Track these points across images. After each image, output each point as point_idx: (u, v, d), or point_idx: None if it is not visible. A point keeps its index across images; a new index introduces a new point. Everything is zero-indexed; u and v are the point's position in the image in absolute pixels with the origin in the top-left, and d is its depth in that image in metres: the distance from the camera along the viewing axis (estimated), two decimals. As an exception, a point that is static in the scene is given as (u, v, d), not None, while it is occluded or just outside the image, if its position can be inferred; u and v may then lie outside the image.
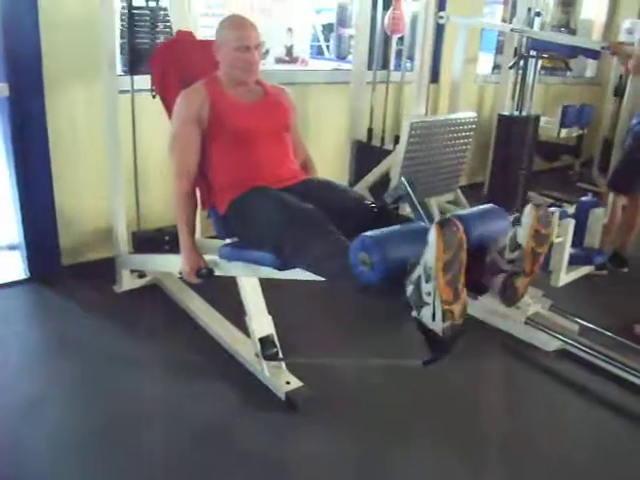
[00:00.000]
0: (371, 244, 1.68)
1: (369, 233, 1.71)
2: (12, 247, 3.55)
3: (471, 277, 1.69)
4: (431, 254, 1.58)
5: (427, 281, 1.60)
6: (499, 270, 1.83)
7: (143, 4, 3.12)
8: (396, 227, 1.79)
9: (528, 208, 1.84)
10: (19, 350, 2.82)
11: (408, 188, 1.96)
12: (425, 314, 1.64)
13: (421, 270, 1.61)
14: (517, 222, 1.89)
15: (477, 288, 1.84)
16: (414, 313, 1.67)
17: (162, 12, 3.14)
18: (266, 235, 2.15)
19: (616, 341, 2.98)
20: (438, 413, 2.50)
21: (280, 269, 2.12)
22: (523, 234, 1.83)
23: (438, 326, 1.63)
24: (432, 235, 1.57)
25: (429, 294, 1.61)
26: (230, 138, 2.34)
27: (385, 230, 1.75)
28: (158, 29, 3.14)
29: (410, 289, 1.65)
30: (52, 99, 3.22)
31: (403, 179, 1.97)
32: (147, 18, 3.13)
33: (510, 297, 1.85)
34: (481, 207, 2.00)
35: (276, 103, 2.49)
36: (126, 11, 3.06)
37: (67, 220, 3.46)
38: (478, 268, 1.79)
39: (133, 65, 3.15)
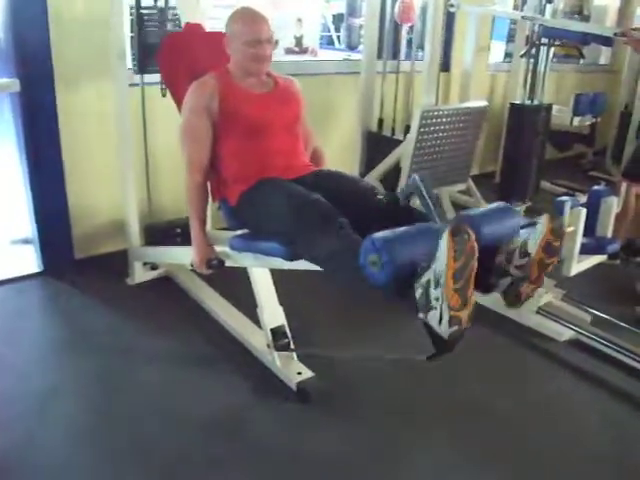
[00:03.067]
0: (381, 245, 1.68)
1: (379, 234, 1.71)
2: (26, 241, 3.57)
3: (479, 276, 1.69)
4: (441, 261, 1.58)
5: (436, 287, 1.61)
6: (506, 273, 1.83)
7: (151, 3, 3.12)
8: (407, 228, 1.78)
9: (543, 219, 1.83)
10: (33, 343, 2.84)
11: (421, 186, 1.94)
12: (432, 317, 1.65)
13: (431, 275, 1.62)
14: (530, 223, 1.88)
15: (484, 287, 1.85)
16: (421, 315, 1.67)
17: (171, 11, 3.12)
18: (276, 227, 2.15)
19: (629, 331, 2.96)
20: (450, 403, 2.50)
21: (290, 260, 2.13)
22: (533, 244, 1.82)
23: (444, 330, 1.64)
24: (443, 242, 1.57)
25: (437, 299, 1.62)
26: (241, 129, 2.34)
27: (396, 231, 1.75)
28: (167, 28, 3.13)
29: (419, 292, 1.66)
30: (63, 94, 3.24)
31: (416, 176, 1.95)
32: (156, 18, 3.12)
33: (513, 300, 1.86)
34: (492, 206, 2.00)
35: (287, 94, 2.49)
36: (134, 11, 3.06)
37: (79, 213, 3.49)
38: (486, 268, 1.79)
39: (142, 64, 3.14)
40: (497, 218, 1.92)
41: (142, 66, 3.13)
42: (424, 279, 1.64)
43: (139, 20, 3.06)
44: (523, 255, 1.81)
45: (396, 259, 1.67)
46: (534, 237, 1.81)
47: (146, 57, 3.09)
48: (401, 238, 1.73)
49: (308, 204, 2.06)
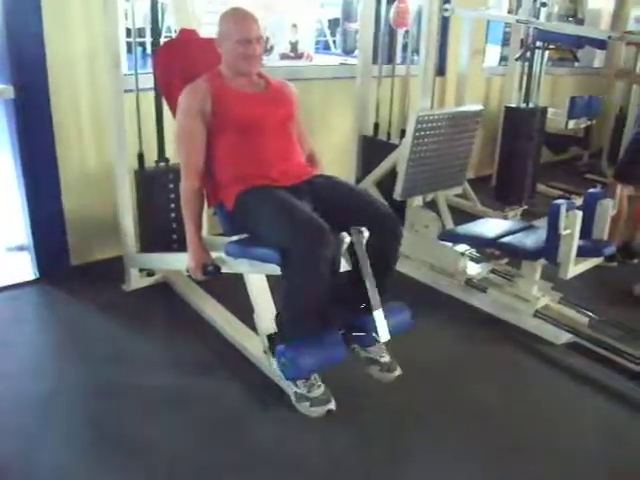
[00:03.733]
0: (288, 359, 2.13)
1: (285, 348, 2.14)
2: (21, 248, 3.56)
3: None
4: None
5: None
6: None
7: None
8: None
9: None
10: (30, 350, 2.84)
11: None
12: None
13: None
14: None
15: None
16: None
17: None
18: (269, 235, 2.19)
19: (626, 333, 2.96)
20: (448, 408, 2.50)
21: (284, 267, 2.12)
22: None
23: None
24: None
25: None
26: (235, 129, 2.35)
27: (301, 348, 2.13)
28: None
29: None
30: (57, 99, 3.24)
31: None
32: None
33: None
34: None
35: (279, 94, 2.50)
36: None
37: (75, 220, 3.48)
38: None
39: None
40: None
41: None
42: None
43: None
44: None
45: (297, 373, 2.19)
46: None
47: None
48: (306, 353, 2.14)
49: (298, 221, 2.10)
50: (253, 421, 2.37)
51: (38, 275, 3.43)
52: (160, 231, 3.30)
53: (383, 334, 2.20)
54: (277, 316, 2.40)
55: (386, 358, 2.35)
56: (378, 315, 2.18)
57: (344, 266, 2.21)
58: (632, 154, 3.91)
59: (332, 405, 2.19)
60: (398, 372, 2.34)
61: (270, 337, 2.48)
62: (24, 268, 3.46)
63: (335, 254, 2.09)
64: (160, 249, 3.22)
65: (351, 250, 2.18)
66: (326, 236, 2.04)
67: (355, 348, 2.35)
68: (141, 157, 3.23)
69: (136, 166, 3.23)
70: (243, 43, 2.33)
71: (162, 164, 3.28)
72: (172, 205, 3.23)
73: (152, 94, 3.14)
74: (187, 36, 2.81)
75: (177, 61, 2.64)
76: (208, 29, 3.00)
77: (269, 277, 2.55)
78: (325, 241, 2.04)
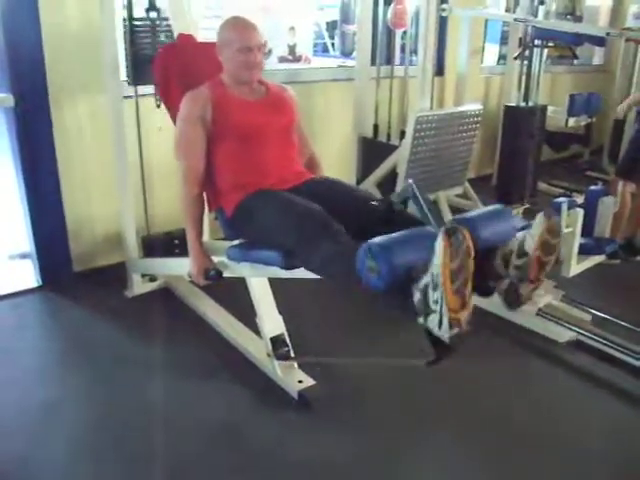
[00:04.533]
0: (378, 252, 1.68)
1: (376, 240, 1.71)
2: (24, 255, 3.57)
3: (477, 279, 1.68)
4: (438, 263, 1.57)
5: (434, 289, 1.60)
6: (505, 275, 1.82)
7: (143, 15, 3.11)
8: (403, 233, 1.77)
9: (538, 218, 1.80)
10: (33, 357, 2.84)
11: (416, 190, 1.94)
12: (432, 321, 1.64)
13: (429, 278, 1.61)
14: (527, 225, 1.87)
15: (483, 290, 1.84)
16: (420, 320, 1.67)
17: (164, 22, 3.12)
18: (273, 237, 2.16)
19: (629, 330, 2.96)
20: (452, 408, 2.49)
21: (288, 269, 2.13)
22: (531, 243, 1.79)
23: (444, 333, 1.63)
24: (439, 244, 1.57)
25: (436, 302, 1.61)
26: (235, 137, 2.35)
27: (392, 236, 1.74)
28: (160, 39, 3.12)
29: (417, 296, 1.65)
30: (57, 108, 3.25)
31: (411, 182, 1.95)
32: (148, 29, 3.11)
33: (513, 302, 1.84)
34: (488, 208, 1.99)
35: (279, 100, 2.49)
36: (127, 22, 3.05)
37: (77, 227, 3.49)
38: (484, 271, 1.78)
39: (136, 76, 3.13)
40: (493, 220, 1.91)
41: (135, 77, 3.12)
42: (422, 283, 1.64)
43: (131, 32, 3.05)
44: (520, 255, 1.79)
45: (393, 265, 1.67)
46: (531, 236, 1.80)
47: (139, 68, 3.08)
48: (397, 243, 1.72)
49: (304, 213, 2.06)
50: (257, 424, 2.37)
51: (41, 282, 3.43)
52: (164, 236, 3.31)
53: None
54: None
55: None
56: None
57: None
58: (633, 151, 3.91)
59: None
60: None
61: (273, 340, 2.48)
62: (27, 275, 3.46)
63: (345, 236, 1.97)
64: (162, 252, 3.24)
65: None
66: (334, 224, 1.99)
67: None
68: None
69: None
70: (244, 51, 2.33)
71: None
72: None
73: (152, 100, 3.14)
74: (185, 41, 2.82)
75: (175, 66, 2.65)
76: (206, 34, 3.00)
77: (271, 280, 2.56)
78: (334, 226, 1.98)
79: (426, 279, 1.62)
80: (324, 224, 1.99)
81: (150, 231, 3.46)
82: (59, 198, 3.36)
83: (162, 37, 3.11)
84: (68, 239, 3.47)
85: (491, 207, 2.00)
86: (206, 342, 2.89)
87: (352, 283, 1.83)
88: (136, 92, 3.16)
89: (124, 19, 3.07)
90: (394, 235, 1.75)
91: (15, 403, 2.47)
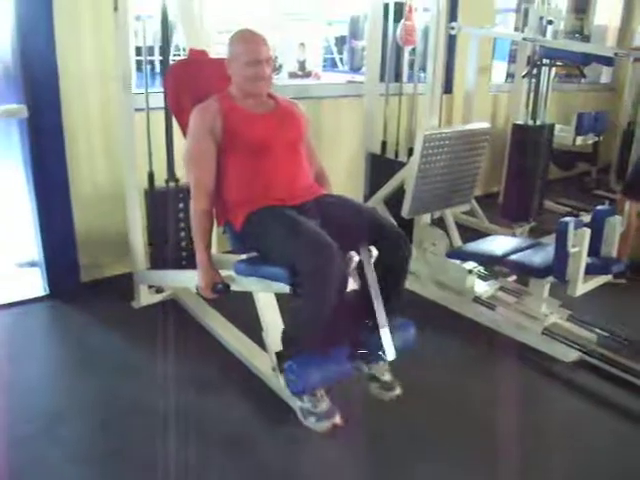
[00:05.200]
0: (298, 373, 2.16)
1: (295, 364, 2.17)
2: (32, 264, 3.59)
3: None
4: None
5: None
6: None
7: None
8: (321, 359, 2.18)
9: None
10: (38, 366, 2.85)
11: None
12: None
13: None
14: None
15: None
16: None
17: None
18: (279, 254, 2.20)
19: (635, 351, 2.95)
20: (455, 426, 2.49)
21: (293, 286, 2.15)
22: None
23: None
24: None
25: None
26: (244, 150, 2.36)
27: (312, 360, 2.17)
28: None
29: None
30: (70, 119, 3.28)
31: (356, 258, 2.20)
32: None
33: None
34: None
35: (288, 114, 2.51)
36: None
37: (86, 237, 3.51)
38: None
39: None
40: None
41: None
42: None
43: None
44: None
45: (307, 386, 2.20)
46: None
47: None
48: (313, 368, 2.17)
49: (306, 242, 2.10)
50: (262, 438, 2.37)
51: (48, 291, 3.45)
52: (170, 249, 3.32)
53: (389, 352, 2.20)
54: (283, 332, 2.40)
55: (387, 377, 2.37)
56: (385, 333, 2.19)
57: (351, 285, 2.21)
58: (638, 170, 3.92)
59: (337, 419, 2.20)
60: (398, 391, 2.35)
61: (278, 354, 2.49)
62: (35, 284, 3.49)
63: (343, 272, 2.10)
64: (170, 266, 3.25)
65: (359, 269, 2.19)
66: (334, 254, 2.05)
67: (357, 365, 2.34)
68: (151, 176, 3.26)
69: (146, 185, 3.25)
70: (253, 64, 2.35)
71: (172, 184, 3.30)
72: (182, 224, 3.27)
73: (162, 113, 3.17)
74: (197, 56, 2.84)
75: (187, 81, 2.66)
76: (218, 49, 3.02)
77: (278, 295, 2.57)
78: (333, 259, 2.04)
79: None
80: (323, 260, 2.05)
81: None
82: (69, 208, 3.39)
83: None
84: (76, 249, 3.49)
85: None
86: (211, 355, 2.90)
87: (312, 339, 2.18)
88: (147, 105, 3.18)
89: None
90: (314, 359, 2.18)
91: (20, 411, 2.47)
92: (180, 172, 3.18)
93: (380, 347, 2.20)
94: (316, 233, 2.12)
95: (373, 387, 2.38)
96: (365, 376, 2.37)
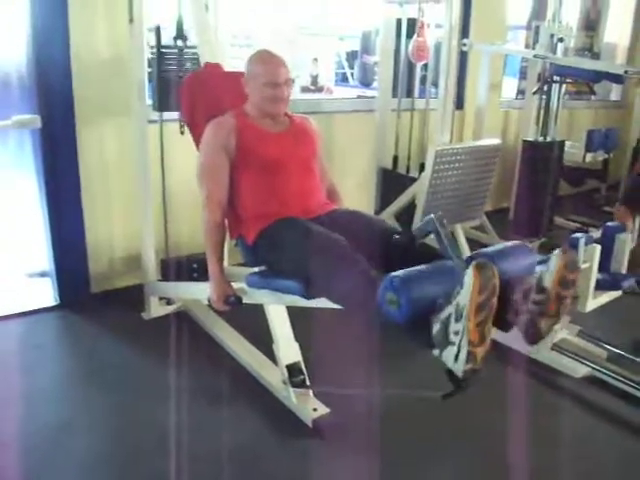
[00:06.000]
0: (399, 284, 1.71)
1: (397, 273, 1.75)
2: (43, 274, 3.61)
3: (497, 314, 1.71)
4: (466, 295, 1.60)
5: (457, 320, 1.63)
6: (524, 310, 1.82)
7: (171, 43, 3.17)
8: (424, 267, 1.81)
9: (556, 253, 1.81)
10: (48, 376, 2.86)
11: (437, 224, 1.96)
12: (448, 354, 1.67)
13: (452, 309, 1.64)
14: (545, 259, 1.88)
15: (502, 325, 1.85)
16: (436, 352, 1.70)
17: (190, 50, 3.17)
18: (295, 266, 2.17)
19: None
20: (463, 440, 2.48)
21: (308, 298, 2.14)
22: (549, 278, 1.80)
23: (460, 367, 1.66)
24: (469, 276, 1.60)
25: (457, 333, 1.64)
26: (258, 168, 2.38)
27: (413, 270, 1.78)
28: (186, 67, 3.16)
29: (436, 327, 1.68)
30: (83, 130, 3.31)
31: (433, 216, 1.97)
32: (175, 57, 3.16)
33: (533, 337, 1.84)
34: (508, 244, 2.02)
35: (302, 132, 2.53)
36: (155, 50, 3.11)
37: (97, 248, 3.53)
38: (504, 306, 1.79)
39: (162, 103, 3.17)
40: (513, 256, 1.95)
41: (161, 104, 3.16)
42: (444, 314, 1.66)
43: (159, 59, 3.10)
44: (540, 290, 1.80)
45: (413, 297, 1.70)
46: (549, 271, 1.81)
47: (165, 95, 3.12)
48: (419, 276, 1.76)
49: (325, 242, 2.08)
50: (272, 451, 2.37)
51: (59, 301, 3.47)
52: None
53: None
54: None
55: None
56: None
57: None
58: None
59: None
60: None
61: (289, 367, 2.49)
62: (45, 294, 3.50)
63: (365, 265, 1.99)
64: (181, 276, 3.27)
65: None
66: (355, 254, 2.00)
67: None
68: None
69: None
70: (272, 86, 2.36)
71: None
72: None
73: (176, 125, 3.19)
74: (211, 70, 2.87)
75: (201, 94, 2.68)
76: (233, 63, 3.05)
77: (289, 307, 2.57)
78: (355, 257, 1.99)
79: (449, 310, 1.65)
80: (345, 254, 2.01)
81: (169, 254, 3.49)
82: (80, 218, 3.41)
83: (188, 65, 3.16)
84: (87, 259, 3.51)
85: (511, 243, 2.02)
86: (221, 367, 2.89)
87: (372, 314, 1.86)
88: (161, 117, 3.21)
89: (151, 46, 3.13)
90: (415, 268, 1.78)
91: (28, 422, 2.47)
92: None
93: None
94: (333, 236, 2.09)
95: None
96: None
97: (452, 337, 1.65)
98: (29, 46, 3.08)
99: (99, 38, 3.29)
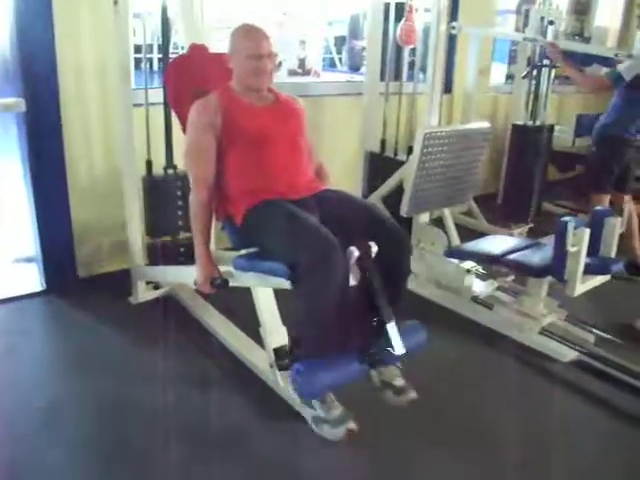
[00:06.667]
0: (303, 378, 2.14)
1: (302, 367, 2.14)
2: (29, 259, 3.58)
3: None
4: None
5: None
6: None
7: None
8: (329, 361, 2.14)
9: None
10: (35, 362, 2.84)
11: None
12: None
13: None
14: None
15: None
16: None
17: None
18: (280, 251, 2.20)
19: (632, 351, 2.95)
20: (454, 426, 2.48)
21: (293, 281, 2.14)
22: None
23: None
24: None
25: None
26: (244, 142, 2.37)
27: (317, 363, 2.12)
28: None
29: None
30: (67, 113, 3.27)
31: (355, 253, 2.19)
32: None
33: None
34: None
35: (288, 108, 2.53)
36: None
37: (83, 232, 3.50)
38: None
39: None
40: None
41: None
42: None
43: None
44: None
45: (313, 392, 2.20)
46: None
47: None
48: (320, 371, 2.12)
49: (307, 239, 2.10)
50: (257, 435, 2.36)
51: (45, 286, 3.44)
52: (167, 238, 3.34)
53: (398, 347, 2.14)
54: (290, 335, 2.41)
55: (399, 382, 2.28)
56: (391, 328, 2.15)
57: (351, 281, 2.19)
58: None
59: (352, 424, 2.19)
60: (413, 394, 2.25)
61: (276, 351, 2.48)
62: (31, 279, 3.48)
63: (344, 267, 2.09)
64: (167, 260, 3.24)
65: (359, 265, 2.18)
66: (334, 249, 2.05)
67: (370, 372, 2.28)
68: (149, 164, 3.25)
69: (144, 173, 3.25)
70: (254, 58, 2.35)
71: (170, 171, 3.30)
72: (179, 212, 3.28)
73: (161, 108, 3.16)
74: (197, 51, 2.84)
75: (187, 76, 2.67)
76: (217, 45, 3.02)
77: (276, 290, 2.56)
78: (334, 253, 2.04)
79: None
80: (324, 255, 2.04)
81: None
82: (66, 203, 3.37)
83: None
84: (74, 244, 3.48)
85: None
86: (208, 351, 2.89)
87: (317, 339, 2.16)
88: (147, 100, 3.18)
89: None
90: (321, 361, 2.13)
91: (16, 407, 2.47)
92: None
93: (388, 343, 2.14)
94: (317, 227, 2.12)
95: (388, 395, 2.28)
96: (377, 384, 2.31)
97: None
98: (13, 29, 3.03)
99: (84, 20, 3.25)
